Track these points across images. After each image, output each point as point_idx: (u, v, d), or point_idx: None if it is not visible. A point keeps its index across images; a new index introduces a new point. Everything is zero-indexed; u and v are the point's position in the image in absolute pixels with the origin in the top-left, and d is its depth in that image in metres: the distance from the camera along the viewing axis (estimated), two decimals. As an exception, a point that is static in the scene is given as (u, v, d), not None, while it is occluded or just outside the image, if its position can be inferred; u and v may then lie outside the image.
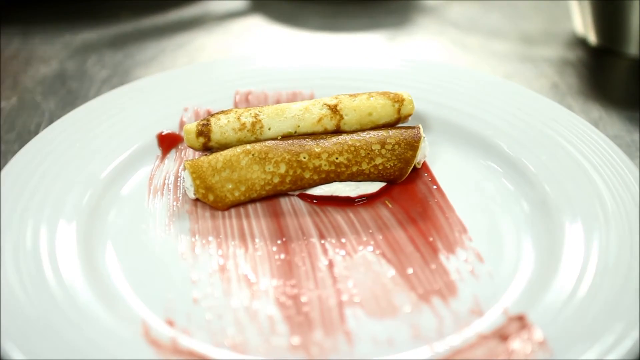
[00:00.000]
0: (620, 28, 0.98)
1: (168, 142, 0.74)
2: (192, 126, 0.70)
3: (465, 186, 0.69)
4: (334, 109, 0.71)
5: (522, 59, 1.02)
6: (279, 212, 0.66)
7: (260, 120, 0.70)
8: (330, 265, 0.60)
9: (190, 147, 0.70)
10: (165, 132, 0.75)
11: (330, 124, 0.71)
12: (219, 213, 0.66)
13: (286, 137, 0.70)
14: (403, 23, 1.14)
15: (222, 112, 0.71)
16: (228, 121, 0.70)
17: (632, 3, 0.93)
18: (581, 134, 0.71)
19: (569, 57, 1.02)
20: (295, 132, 0.70)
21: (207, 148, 0.70)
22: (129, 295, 0.56)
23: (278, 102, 0.80)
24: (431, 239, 0.63)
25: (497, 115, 0.75)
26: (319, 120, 0.71)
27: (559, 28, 1.10)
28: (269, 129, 0.70)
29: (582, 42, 1.05)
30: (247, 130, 0.70)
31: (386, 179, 0.69)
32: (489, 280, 0.58)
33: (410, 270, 0.59)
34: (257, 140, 0.69)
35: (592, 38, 1.03)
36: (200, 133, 0.69)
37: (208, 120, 0.70)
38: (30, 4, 1.16)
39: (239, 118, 0.70)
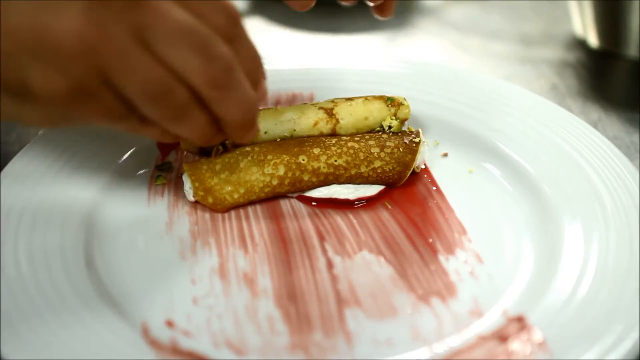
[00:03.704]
0: (620, 30, 0.98)
1: (168, 144, 0.74)
2: (188, 129, 0.70)
3: (465, 187, 0.69)
4: (329, 113, 0.71)
5: (522, 61, 1.02)
6: (279, 213, 0.66)
7: None
8: (330, 265, 0.60)
9: (186, 150, 0.70)
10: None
11: (326, 128, 0.70)
12: (219, 215, 0.66)
13: (285, 139, 0.70)
14: (402, 24, 1.14)
15: (219, 115, 0.71)
16: (224, 125, 0.69)
17: (632, 4, 0.93)
18: (580, 135, 0.71)
19: (569, 58, 1.02)
20: (292, 136, 0.70)
21: (203, 151, 0.70)
22: (129, 296, 0.56)
23: (278, 103, 0.80)
24: (430, 240, 0.63)
25: (496, 117, 0.75)
26: (315, 124, 0.70)
27: (559, 29, 1.11)
28: (265, 133, 0.70)
29: (581, 44, 1.05)
30: None
31: (385, 183, 0.69)
32: (488, 281, 0.59)
33: (409, 271, 0.59)
34: (253, 144, 0.69)
35: (591, 39, 1.03)
36: None
37: (205, 123, 0.70)
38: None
39: (235, 121, 0.70)
